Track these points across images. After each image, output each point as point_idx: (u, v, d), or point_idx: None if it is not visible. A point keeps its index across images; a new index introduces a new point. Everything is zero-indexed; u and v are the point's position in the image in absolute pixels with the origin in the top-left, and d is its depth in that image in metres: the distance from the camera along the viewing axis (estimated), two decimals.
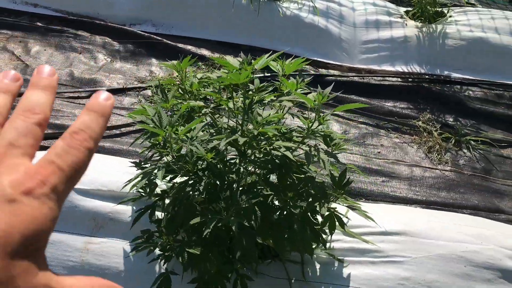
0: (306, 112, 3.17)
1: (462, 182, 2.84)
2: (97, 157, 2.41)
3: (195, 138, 1.64)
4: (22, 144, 0.40)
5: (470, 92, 3.55)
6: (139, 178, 1.55)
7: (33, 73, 0.45)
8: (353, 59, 3.77)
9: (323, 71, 3.67)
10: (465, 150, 3.07)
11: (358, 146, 3.04)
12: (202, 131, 1.67)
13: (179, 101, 1.74)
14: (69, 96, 3.10)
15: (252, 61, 1.67)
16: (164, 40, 3.62)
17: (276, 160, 1.65)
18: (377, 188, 2.74)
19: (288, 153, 1.53)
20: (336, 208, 1.80)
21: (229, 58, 1.70)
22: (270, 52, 1.77)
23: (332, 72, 3.67)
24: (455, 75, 3.66)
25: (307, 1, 3.90)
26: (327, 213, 1.78)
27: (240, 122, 1.59)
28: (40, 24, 3.67)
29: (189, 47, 3.64)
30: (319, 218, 1.79)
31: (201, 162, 1.61)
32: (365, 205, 2.53)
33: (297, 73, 1.85)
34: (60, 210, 0.39)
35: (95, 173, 2.15)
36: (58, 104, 3.01)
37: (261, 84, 1.78)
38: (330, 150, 1.67)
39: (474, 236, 2.14)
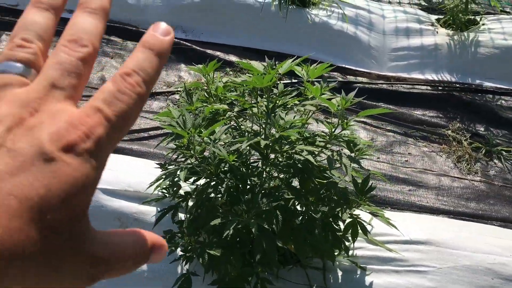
0: (330, 117, 3.15)
1: (492, 193, 2.76)
2: (124, 159, 2.46)
3: (218, 140, 1.65)
4: (65, 85, 0.34)
5: (503, 102, 3.46)
6: (162, 179, 1.58)
7: None
8: (382, 66, 3.73)
9: (351, 78, 3.65)
10: (496, 161, 2.99)
11: (385, 154, 3.00)
12: (226, 134, 1.69)
13: (204, 104, 1.76)
14: None
15: (276, 65, 1.68)
16: (193, 46, 3.67)
17: (299, 165, 1.65)
18: (404, 197, 2.69)
19: (310, 157, 1.52)
20: (359, 215, 1.79)
21: (254, 63, 1.71)
22: (295, 57, 1.78)
23: (360, 79, 3.64)
24: (487, 84, 3.58)
25: (336, 8, 3.89)
26: (349, 219, 1.77)
27: (264, 126, 1.60)
28: None
29: (217, 53, 3.68)
30: (342, 225, 1.78)
31: (224, 165, 1.62)
32: (390, 214, 2.50)
33: (320, 79, 1.85)
34: (105, 166, 0.35)
35: (121, 173, 2.20)
36: None
37: (285, 88, 1.79)
38: (353, 156, 1.66)
39: (502, 248, 2.08)
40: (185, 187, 2.01)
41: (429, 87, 3.55)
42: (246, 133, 1.72)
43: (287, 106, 1.77)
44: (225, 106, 1.76)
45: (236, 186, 1.68)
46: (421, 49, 3.75)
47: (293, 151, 1.57)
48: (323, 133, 1.76)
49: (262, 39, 3.81)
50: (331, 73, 3.64)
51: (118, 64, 3.53)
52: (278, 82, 1.81)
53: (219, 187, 1.60)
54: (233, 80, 1.76)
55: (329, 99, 1.68)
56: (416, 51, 3.75)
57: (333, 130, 1.67)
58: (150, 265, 2.00)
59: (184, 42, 3.70)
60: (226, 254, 1.62)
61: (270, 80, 1.63)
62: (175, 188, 1.80)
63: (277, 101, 1.69)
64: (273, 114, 1.59)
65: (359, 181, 1.72)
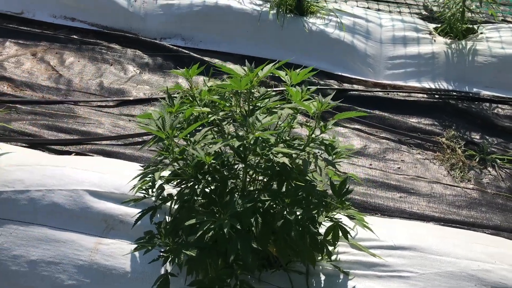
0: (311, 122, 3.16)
1: (484, 201, 2.74)
2: (113, 162, 2.50)
3: (197, 142, 1.68)
4: None
5: (499, 110, 3.45)
6: (140, 179, 1.60)
7: None
8: (378, 74, 3.74)
9: (347, 86, 3.66)
10: (490, 169, 2.97)
11: (378, 161, 3.00)
12: (205, 136, 1.71)
13: (186, 106, 1.79)
14: (97, 105, 3.23)
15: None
16: (191, 53, 3.72)
17: (277, 167, 1.67)
18: (394, 204, 2.69)
19: (285, 159, 1.54)
20: (340, 219, 1.79)
21: (234, 66, 1.74)
22: (276, 61, 1.80)
23: (356, 87, 3.65)
24: (484, 92, 3.57)
25: (333, 17, 3.92)
26: (330, 223, 1.77)
27: (242, 128, 1.63)
28: (76, 37, 3.86)
29: (215, 60, 3.73)
30: (324, 228, 1.79)
31: (202, 166, 1.65)
32: (379, 220, 2.50)
33: (302, 84, 1.86)
34: None
35: (109, 176, 2.23)
36: (86, 112, 3.14)
37: (265, 91, 1.81)
38: (330, 159, 1.67)
39: (488, 255, 2.07)
40: (170, 189, 2.03)
41: (425, 95, 3.55)
42: (227, 136, 1.75)
43: (270, 109, 1.79)
44: (207, 109, 1.78)
45: (215, 188, 1.70)
46: (418, 58, 3.76)
47: (269, 153, 1.59)
48: (304, 136, 1.77)
49: (260, 47, 3.85)
50: (327, 80, 3.66)
51: (117, 71, 3.58)
52: (271, 88, 1.84)
53: (197, 188, 1.62)
54: (217, 84, 1.78)
55: (307, 102, 1.70)
56: (413, 59, 3.76)
57: (311, 133, 1.69)
58: (133, 266, 2.01)
59: (183, 50, 3.75)
60: (203, 255, 1.64)
61: (249, 83, 1.65)
62: (159, 190, 1.83)
63: (256, 104, 1.71)
64: (249, 117, 1.62)
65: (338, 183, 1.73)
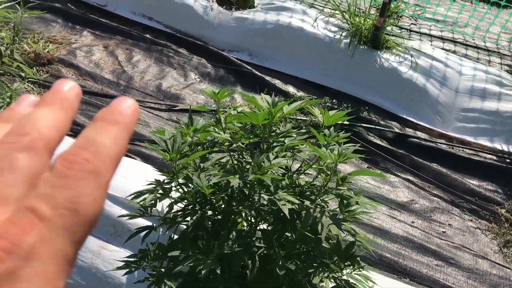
0: (346, 166, 2.96)
1: None
2: (142, 167, 2.48)
3: (205, 169, 1.59)
4: None
5: None
6: (134, 197, 1.54)
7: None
8: (446, 125, 3.45)
9: (409, 131, 3.41)
10: None
11: (422, 220, 2.74)
12: (214, 165, 1.62)
13: (204, 129, 1.71)
14: (150, 106, 3.26)
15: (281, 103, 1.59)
16: (253, 70, 3.66)
17: (281, 213, 1.54)
18: (428, 272, 2.43)
19: (285, 208, 1.41)
20: (349, 280, 1.62)
21: (258, 97, 1.64)
22: (302, 101, 1.67)
23: (419, 134, 3.39)
24: None
25: (409, 56, 3.69)
26: (332, 284, 1.61)
27: (250, 165, 1.52)
28: (148, 36, 3.95)
29: (276, 81, 3.64)
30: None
31: (200, 196, 1.55)
32: (405, 286, 2.26)
33: (332, 127, 1.71)
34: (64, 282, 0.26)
35: (130, 181, 2.21)
36: (141, 115, 3.18)
37: (288, 128, 1.69)
38: (339, 217, 1.51)
39: None
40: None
41: (494, 157, 3.21)
42: (238, 168, 1.64)
43: (290, 149, 1.66)
44: (226, 136, 1.69)
45: (214, 221, 1.60)
46: (495, 115, 3.42)
47: (272, 197, 1.46)
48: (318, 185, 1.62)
49: (325, 74, 3.70)
50: (388, 121, 3.43)
51: (178, 76, 3.61)
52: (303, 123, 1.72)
53: (190, 217, 1.53)
54: (234, 114, 1.69)
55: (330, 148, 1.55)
56: (488, 115, 3.42)
57: (325, 183, 1.54)
58: (130, 278, 1.96)
59: (246, 65, 3.71)
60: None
61: (269, 118, 1.54)
62: (167, 209, 1.76)
63: (271, 141, 1.60)
64: (263, 154, 1.50)
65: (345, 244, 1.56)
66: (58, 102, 0.32)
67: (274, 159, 1.49)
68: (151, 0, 4.12)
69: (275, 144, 1.65)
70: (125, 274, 1.57)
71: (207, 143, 1.74)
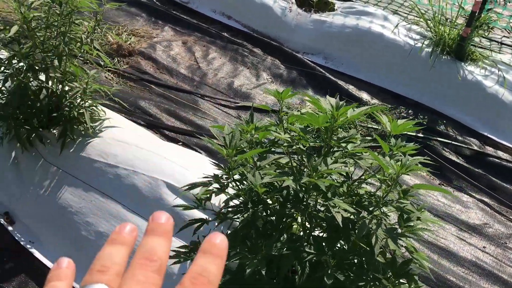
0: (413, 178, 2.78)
1: None
2: (206, 161, 2.51)
3: (260, 168, 1.57)
4: None
5: None
6: (187, 189, 1.55)
7: (149, 219, 0.46)
8: None
9: (489, 149, 3.18)
10: None
11: (495, 246, 2.53)
12: (271, 164, 1.59)
13: (265, 128, 1.68)
14: (220, 103, 3.31)
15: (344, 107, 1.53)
16: (327, 74, 3.59)
17: (335, 221, 1.47)
18: None
19: (338, 216, 1.35)
20: None
21: (322, 99, 1.58)
22: (368, 106, 1.60)
23: (500, 153, 3.15)
24: None
25: (497, 70, 3.44)
26: None
27: (306, 168, 1.47)
28: (225, 35, 4.01)
29: (350, 87, 3.54)
30: None
31: (253, 194, 1.53)
32: None
33: (399, 137, 1.62)
34: None
35: (190, 173, 2.23)
36: (208, 108, 3.23)
37: (353, 133, 1.62)
38: (397, 231, 1.42)
39: None
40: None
41: None
42: (295, 170, 1.60)
43: (351, 155, 1.59)
44: (285, 137, 1.66)
45: (266, 222, 1.58)
46: None
47: (327, 204, 1.40)
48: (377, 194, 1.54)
49: (402, 84, 3.55)
50: (467, 137, 3.22)
51: (251, 76, 3.63)
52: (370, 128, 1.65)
53: (241, 215, 1.51)
54: (295, 115, 1.65)
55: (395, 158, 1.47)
56: None
57: (385, 195, 1.46)
58: (182, 269, 1.99)
59: (320, 69, 3.65)
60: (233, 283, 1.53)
61: (330, 121, 1.49)
62: (224, 204, 1.76)
63: (331, 144, 1.54)
64: (320, 158, 1.45)
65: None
66: (163, 233, 0.43)
67: (332, 164, 1.44)
68: (232, 0, 4.18)
69: (336, 149, 1.59)
70: (173, 263, 1.59)
71: (267, 143, 1.71)
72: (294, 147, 1.67)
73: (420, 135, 3.18)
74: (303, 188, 1.49)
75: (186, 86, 3.44)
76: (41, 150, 2.41)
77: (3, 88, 2.27)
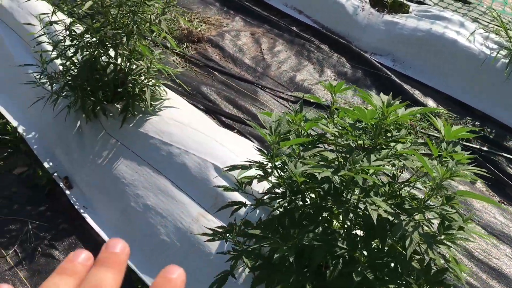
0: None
1: None
2: (240, 139, 2.53)
3: (302, 157, 1.57)
4: None
5: None
6: (228, 170, 1.58)
7: (103, 247, 0.42)
8: None
9: None
10: None
11: None
12: (313, 156, 1.58)
13: (312, 118, 1.68)
14: (279, 96, 3.32)
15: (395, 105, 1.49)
16: (393, 76, 3.49)
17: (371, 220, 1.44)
18: None
19: (374, 213, 1.32)
20: None
21: (375, 96, 1.55)
22: (422, 107, 1.55)
23: None
24: None
25: None
26: None
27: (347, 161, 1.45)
28: (294, 29, 4.01)
29: (415, 91, 3.43)
30: None
31: (294, 184, 1.53)
32: None
33: (451, 143, 1.56)
34: None
35: (239, 159, 2.27)
36: (266, 99, 3.26)
37: (403, 134, 1.58)
38: (437, 238, 1.37)
39: None
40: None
41: None
42: (337, 162, 1.58)
43: (398, 156, 1.55)
44: (332, 130, 1.64)
45: (302, 213, 1.57)
46: None
47: (364, 200, 1.38)
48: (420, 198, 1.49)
49: (471, 93, 3.38)
50: None
51: (314, 71, 3.61)
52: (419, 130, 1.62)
53: (280, 202, 1.52)
54: (344, 108, 1.63)
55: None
56: None
57: (426, 199, 1.41)
58: (219, 250, 2.02)
59: (386, 71, 3.55)
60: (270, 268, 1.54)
61: (379, 118, 1.46)
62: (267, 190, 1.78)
63: (379, 143, 1.50)
64: (361, 154, 1.42)
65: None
66: (115, 265, 0.41)
67: (375, 161, 1.41)
68: None
69: (383, 147, 1.55)
70: (206, 240, 1.63)
71: (314, 136, 1.71)
72: (340, 141, 1.65)
73: (485, 148, 3.01)
74: (343, 183, 1.47)
75: (249, 76, 3.48)
76: (104, 122, 2.54)
77: (75, 60, 2.42)
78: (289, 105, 3.24)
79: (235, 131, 2.92)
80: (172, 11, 3.76)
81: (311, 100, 3.08)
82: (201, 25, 3.95)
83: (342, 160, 1.65)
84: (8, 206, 2.40)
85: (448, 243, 1.37)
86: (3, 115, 2.85)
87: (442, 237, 1.38)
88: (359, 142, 1.61)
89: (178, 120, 2.50)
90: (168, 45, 2.65)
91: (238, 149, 2.40)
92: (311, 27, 4.06)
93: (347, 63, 3.69)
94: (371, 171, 1.44)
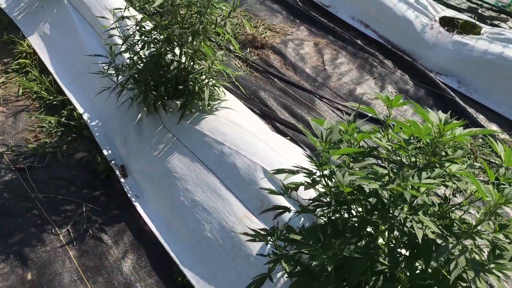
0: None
1: None
2: (290, 145, 2.53)
3: (351, 168, 1.55)
4: None
5: None
6: (274, 173, 1.59)
7: None
8: None
9: None
10: None
11: None
12: (363, 168, 1.56)
13: (362, 129, 1.66)
14: (337, 107, 3.29)
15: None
16: (457, 98, 3.38)
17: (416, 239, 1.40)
18: None
19: (419, 232, 1.28)
20: None
21: (432, 113, 1.51)
22: (481, 129, 1.49)
23: None
24: None
25: None
26: None
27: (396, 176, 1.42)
28: (359, 42, 3.97)
29: (480, 116, 3.29)
30: None
31: (340, 194, 1.52)
32: None
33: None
34: None
35: (287, 164, 2.27)
36: (323, 109, 3.24)
37: (459, 155, 1.53)
38: (488, 265, 1.31)
39: None
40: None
41: None
42: (388, 176, 1.55)
43: (452, 176, 1.50)
44: (385, 144, 1.61)
45: (345, 225, 1.55)
46: None
47: (412, 218, 1.34)
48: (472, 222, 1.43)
49: None
50: None
51: (375, 86, 3.55)
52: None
53: (324, 211, 1.51)
54: (400, 122, 1.59)
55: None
56: None
57: (476, 224, 1.35)
58: (260, 252, 2.04)
59: (450, 92, 3.44)
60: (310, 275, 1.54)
61: (434, 134, 1.43)
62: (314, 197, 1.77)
63: (433, 162, 1.46)
64: (413, 170, 1.39)
65: None
66: None
67: (426, 179, 1.37)
68: (372, 9, 4.13)
69: (436, 166, 1.51)
70: (247, 240, 1.64)
71: (366, 148, 1.68)
72: (392, 156, 1.62)
73: None
74: (391, 197, 1.44)
75: (307, 85, 3.48)
76: (163, 116, 2.63)
77: (142, 54, 2.52)
78: (344, 116, 3.21)
79: (288, 138, 2.93)
80: (239, 16, 3.85)
81: (369, 114, 3.04)
82: (265, 32, 4.00)
83: (393, 175, 1.61)
84: (66, 187, 2.54)
85: (498, 273, 1.31)
86: (71, 102, 3.02)
87: (492, 266, 1.32)
88: (412, 160, 1.58)
89: (233, 121, 2.55)
90: (232, 48, 2.71)
91: (289, 156, 2.41)
92: (376, 42, 4.01)
93: (410, 81, 3.61)
94: (422, 189, 1.40)
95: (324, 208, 1.52)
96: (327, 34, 4.08)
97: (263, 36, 3.91)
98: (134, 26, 2.46)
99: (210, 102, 2.60)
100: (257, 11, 4.32)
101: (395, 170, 1.53)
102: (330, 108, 3.27)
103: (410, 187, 1.32)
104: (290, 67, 3.66)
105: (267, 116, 3.10)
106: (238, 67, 3.56)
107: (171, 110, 2.63)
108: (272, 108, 3.16)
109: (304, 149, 2.83)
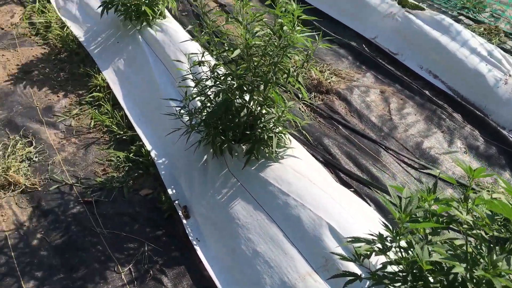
0: None
1: None
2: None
3: (429, 242, 1.48)
4: None
5: None
6: (348, 241, 1.54)
7: None
8: None
9: None
10: None
11: None
12: (443, 242, 1.49)
13: (446, 202, 1.59)
14: (403, 160, 3.20)
15: None
16: None
17: None
18: None
19: None
20: None
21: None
22: None
23: None
24: None
25: None
26: None
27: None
28: (427, 93, 3.88)
29: None
30: None
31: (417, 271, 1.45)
32: None
33: None
34: None
35: (354, 222, 2.21)
36: (389, 161, 3.16)
37: None
38: None
39: None
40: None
41: None
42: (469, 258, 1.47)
43: None
44: (467, 218, 1.53)
45: None
46: None
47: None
48: None
49: None
50: None
51: (443, 140, 3.44)
52: None
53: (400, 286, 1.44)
54: (484, 199, 1.51)
55: None
56: None
57: None
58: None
59: None
60: None
61: None
62: (380, 265, 1.71)
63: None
64: (503, 254, 1.31)
65: None
66: None
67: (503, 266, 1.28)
68: (442, 60, 4.04)
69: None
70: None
71: (444, 218, 1.61)
72: (475, 232, 1.54)
73: None
74: (473, 279, 1.36)
75: (373, 134, 3.42)
76: (228, 160, 2.65)
77: (213, 100, 2.57)
78: (410, 171, 3.11)
79: (351, 189, 2.87)
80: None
81: (444, 179, 2.93)
82: (331, 77, 4.00)
83: (472, 251, 1.53)
84: (130, 224, 2.59)
85: None
86: (140, 138, 3.12)
87: None
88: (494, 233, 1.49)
89: (297, 171, 2.53)
90: (300, 96, 2.71)
91: (355, 211, 2.35)
92: (444, 93, 3.91)
93: (480, 137, 3.46)
94: None
95: (400, 284, 1.45)
96: (393, 82, 4.02)
97: (329, 81, 3.91)
98: (209, 72, 2.52)
99: (276, 149, 2.60)
100: (323, 55, 4.34)
101: (479, 248, 1.45)
102: (396, 161, 3.18)
103: (499, 274, 1.24)
104: (355, 115, 3.61)
105: (331, 164, 3.06)
106: (302, 112, 3.56)
107: (236, 154, 2.64)
108: (336, 157, 3.12)
109: (369, 204, 2.76)
